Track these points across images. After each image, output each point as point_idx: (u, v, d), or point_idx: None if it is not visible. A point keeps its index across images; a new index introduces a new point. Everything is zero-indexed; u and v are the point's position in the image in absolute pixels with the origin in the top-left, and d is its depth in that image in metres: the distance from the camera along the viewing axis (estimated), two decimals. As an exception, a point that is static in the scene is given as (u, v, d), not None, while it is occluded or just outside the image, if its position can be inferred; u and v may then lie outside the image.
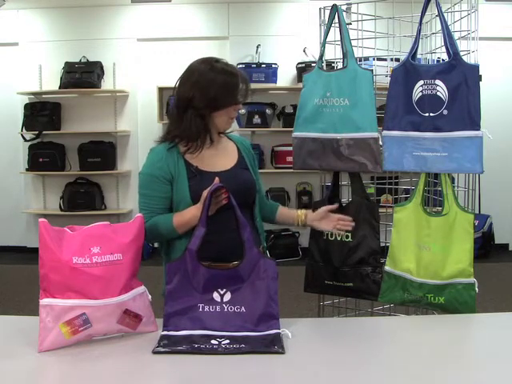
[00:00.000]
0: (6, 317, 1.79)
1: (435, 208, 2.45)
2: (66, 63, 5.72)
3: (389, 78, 2.12)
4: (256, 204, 1.90)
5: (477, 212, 5.46)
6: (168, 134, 1.82)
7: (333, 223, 1.92)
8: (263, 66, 5.66)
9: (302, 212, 1.96)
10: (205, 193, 1.63)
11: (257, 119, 5.59)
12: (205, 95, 1.72)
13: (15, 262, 5.71)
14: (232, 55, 5.69)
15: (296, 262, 5.46)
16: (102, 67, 5.82)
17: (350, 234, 2.21)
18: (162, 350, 1.42)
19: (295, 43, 5.71)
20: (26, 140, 5.80)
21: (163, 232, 1.75)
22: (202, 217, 1.58)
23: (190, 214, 1.69)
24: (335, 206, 1.96)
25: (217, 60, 1.78)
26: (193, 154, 1.78)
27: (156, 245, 5.88)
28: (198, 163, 1.79)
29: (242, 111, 5.40)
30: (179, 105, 1.78)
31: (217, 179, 1.64)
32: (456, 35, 2.12)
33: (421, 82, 2.00)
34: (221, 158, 1.85)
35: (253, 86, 5.64)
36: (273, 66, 5.68)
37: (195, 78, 1.74)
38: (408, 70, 2.03)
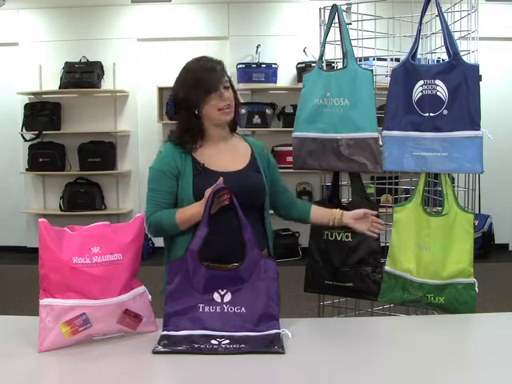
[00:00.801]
0: (6, 317, 1.79)
1: (435, 208, 2.45)
2: (66, 63, 5.72)
3: (389, 78, 2.12)
4: (266, 207, 1.90)
5: (477, 212, 5.46)
6: (172, 134, 1.87)
7: (367, 225, 1.93)
8: (263, 65, 5.65)
9: (337, 211, 1.95)
10: (207, 192, 1.63)
11: (257, 119, 5.59)
12: (181, 96, 1.79)
13: (15, 262, 5.71)
14: (232, 55, 5.69)
15: (296, 262, 5.45)
16: (102, 67, 5.82)
17: (350, 234, 2.21)
18: (162, 349, 1.42)
19: (295, 43, 5.70)
20: (26, 140, 5.80)
21: (166, 227, 1.77)
22: (205, 217, 1.57)
23: (193, 211, 1.70)
24: (374, 212, 1.95)
25: (194, 59, 1.83)
26: (202, 152, 1.82)
27: (157, 244, 5.90)
28: (206, 161, 1.80)
29: (242, 111, 5.38)
30: (174, 106, 1.87)
31: (220, 179, 1.64)
32: (456, 35, 2.12)
33: (421, 82, 2.00)
34: (230, 158, 1.86)
35: (253, 86, 5.67)
36: (273, 65, 5.68)
37: (176, 80, 1.82)
38: (408, 70, 2.03)
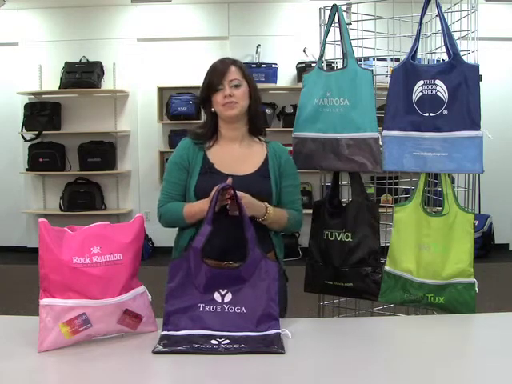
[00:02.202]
0: (6, 317, 1.78)
1: (435, 208, 2.45)
2: (66, 63, 5.73)
3: (389, 78, 2.11)
4: None
5: (477, 212, 5.46)
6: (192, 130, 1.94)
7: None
8: (263, 66, 5.66)
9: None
10: (214, 190, 1.63)
11: (257, 119, 5.59)
12: (199, 95, 1.92)
13: (15, 262, 5.71)
14: (232, 55, 5.63)
15: (296, 262, 5.45)
16: (101, 67, 5.83)
17: (350, 234, 2.22)
18: (162, 349, 1.42)
19: (295, 43, 5.71)
20: (26, 140, 5.80)
21: (174, 219, 1.81)
22: (209, 215, 1.57)
23: (198, 208, 1.72)
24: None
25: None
26: (215, 152, 1.85)
27: (157, 244, 5.90)
28: (216, 162, 1.82)
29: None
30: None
31: (230, 179, 1.65)
32: (456, 35, 2.12)
33: (421, 82, 2.00)
34: (241, 161, 1.86)
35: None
36: (273, 66, 5.69)
37: None
38: (408, 70, 2.03)
